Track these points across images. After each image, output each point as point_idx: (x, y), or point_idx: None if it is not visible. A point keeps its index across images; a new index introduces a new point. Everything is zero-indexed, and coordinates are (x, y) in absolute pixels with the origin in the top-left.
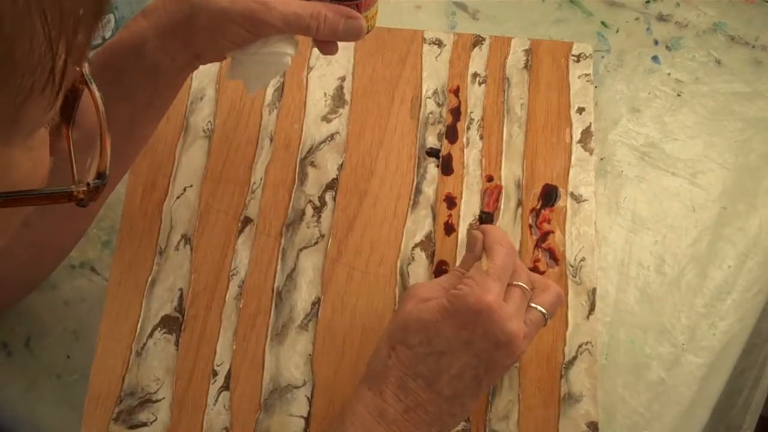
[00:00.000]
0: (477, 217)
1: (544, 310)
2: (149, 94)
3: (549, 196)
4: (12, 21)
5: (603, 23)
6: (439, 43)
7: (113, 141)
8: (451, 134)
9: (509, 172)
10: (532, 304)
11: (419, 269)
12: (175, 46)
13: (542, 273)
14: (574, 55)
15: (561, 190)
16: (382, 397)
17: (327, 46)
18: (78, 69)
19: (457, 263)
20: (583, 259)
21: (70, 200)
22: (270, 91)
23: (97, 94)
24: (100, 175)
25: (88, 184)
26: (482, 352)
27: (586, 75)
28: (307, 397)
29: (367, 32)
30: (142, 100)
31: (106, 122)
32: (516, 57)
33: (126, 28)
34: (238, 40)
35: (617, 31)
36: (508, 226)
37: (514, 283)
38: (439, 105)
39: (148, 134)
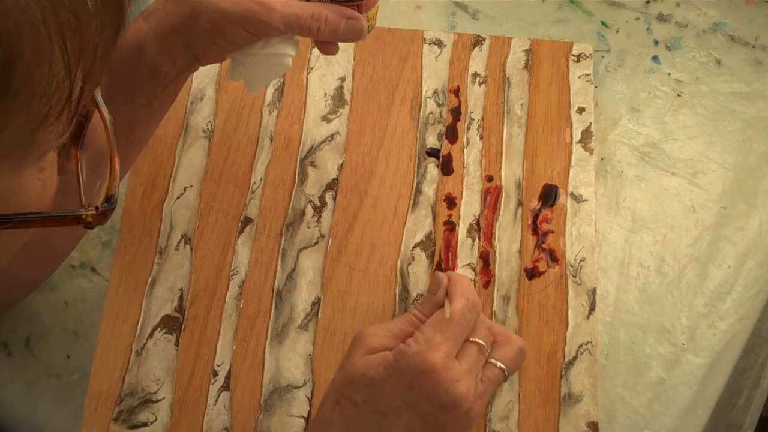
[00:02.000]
0: (436, 264)
1: (503, 366)
2: (149, 95)
3: (549, 196)
4: (33, 48)
5: (603, 23)
6: (439, 43)
7: None
8: (451, 134)
9: (509, 172)
10: (491, 360)
11: (419, 269)
12: (175, 48)
13: (542, 273)
14: (574, 55)
15: (561, 190)
16: None
17: (327, 47)
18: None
19: (459, 264)
20: (583, 259)
21: (78, 223)
22: (270, 91)
23: (107, 117)
24: (108, 199)
25: (96, 208)
26: (427, 415)
27: (586, 75)
28: (308, 398)
29: (368, 32)
30: (141, 101)
31: (116, 146)
32: (516, 57)
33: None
34: (238, 41)
35: (617, 31)
36: (508, 226)
37: (471, 339)
38: (439, 105)
39: (148, 135)
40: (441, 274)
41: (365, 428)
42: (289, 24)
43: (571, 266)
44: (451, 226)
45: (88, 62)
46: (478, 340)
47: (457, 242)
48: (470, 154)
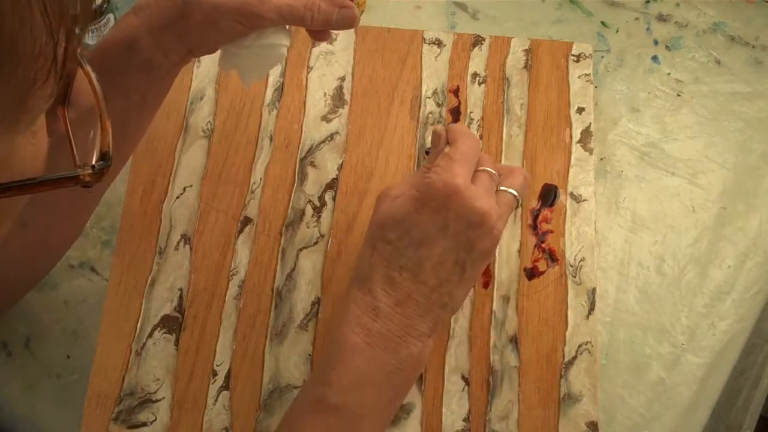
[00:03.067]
0: (425, 151)
1: (514, 192)
2: (143, 89)
3: (548, 195)
4: (13, 15)
5: (603, 23)
6: (438, 43)
7: None
8: None
9: None
10: (502, 187)
11: None
12: (168, 42)
13: (542, 273)
14: (573, 55)
15: (560, 189)
16: (372, 294)
17: (320, 34)
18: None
19: None
20: (582, 259)
21: (76, 184)
22: (270, 91)
23: (92, 73)
24: (103, 156)
25: (93, 167)
26: (458, 234)
27: (586, 75)
28: None
29: (361, 15)
30: (135, 96)
31: (104, 102)
32: (516, 57)
33: (117, 26)
34: (232, 34)
35: (617, 31)
36: (508, 225)
37: (480, 168)
38: (438, 105)
39: (143, 129)
40: (439, 127)
41: (405, 261)
42: (282, 15)
43: (571, 266)
44: None
45: (68, 23)
46: (486, 168)
47: None
48: None
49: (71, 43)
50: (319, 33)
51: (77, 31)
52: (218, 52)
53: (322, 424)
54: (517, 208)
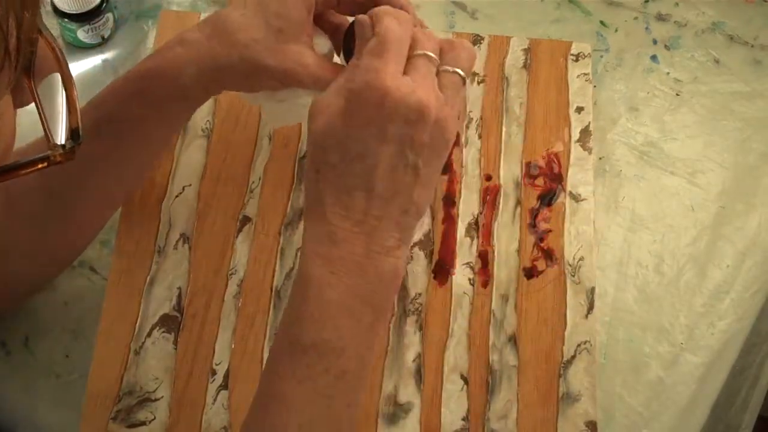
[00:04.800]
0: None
1: (457, 70)
2: (177, 115)
3: (547, 195)
4: None
5: (602, 23)
6: None
7: (133, 155)
8: None
9: (508, 172)
10: (444, 67)
11: (418, 268)
12: (211, 81)
13: (541, 272)
14: (572, 55)
15: (560, 189)
16: (326, 221)
17: None
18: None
19: (457, 263)
20: (581, 259)
21: (48, 165)
22: None
23: (55, 43)
24: (73, 134)
25: (63, 146)
26: (400, 136)
27: (585, 74)
28: None
29: None
30: (169, 121)
31: (69, 71)
32: (515, 56)
33: (161, 54)
34: (269, 88)
35: (616, 31)
36: (507, 225)
37: (415, 53)
38: None
39: (164, 149)
40: (362, 16)
41: (352, 180)
42: (319, 83)
43: (570, 265)
44: (449, 226)
45: (17, 10)
46: (422, 51)
47: (455, 241)
48: (469, 153)
49: (22, 30)
50: None
51: (27, 15)
52: None
53: (300, 365)
54: (463, 85)
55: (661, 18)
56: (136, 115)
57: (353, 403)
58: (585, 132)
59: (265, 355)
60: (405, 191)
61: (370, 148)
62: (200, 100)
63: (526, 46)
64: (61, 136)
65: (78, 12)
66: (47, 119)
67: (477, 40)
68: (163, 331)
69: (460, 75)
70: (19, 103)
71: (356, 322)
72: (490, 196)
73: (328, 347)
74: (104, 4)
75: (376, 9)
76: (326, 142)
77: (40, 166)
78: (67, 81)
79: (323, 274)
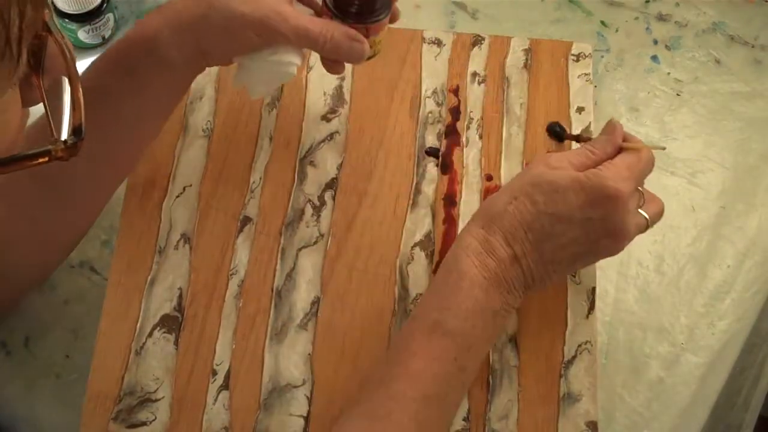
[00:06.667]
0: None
1: (648, 218)
2: (157, 89)
3: None
4: None
5: (602, 23)
6: (438, 43)
7: (119, 136)
8: (451, 134)
9: (508, 172)
10: (640, 210)
11: (419, 268)
12: (186, 40)
13: None
14: (573, 55)
15: None
16: (494, 236)
17: (334, 66)
18: (40, 22)
19: None
20: None
21: (50, 160)
22: None
23: (63, 41)
24: (76, 131)
25: (65, 142)
26: (595, 234)
27: (586, 74)
28: (307, 397)
29: (372, 57)
30: (150, 95)
31: (76, 69)
32: (515, 56)
33: (140, 23)
34: (248, 44)
35: (617, 31)
36: None
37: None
38: (438, 104)
39: (154, 133)
40: (615, 119)
41: (537, 225)
42: (298, 35)
43: None
44: (450, 226)
45: (19, 2)
46: (641, 188)
47: None
48: (470, 153)
49: (25, 20)
50: (333, 65)
51: (32, 6)
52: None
53: (436, 346)
54: (643, 232)
55: (661, 18)
56: (115, 90)
57: (457, 403)
58: (586, 132)
59: (266, 355)
60: (557, 267)
61: (572, 220)
62: (180, 73)
63: (526, 47)
64: (63, 132)
65: (78, 12)
66: (51, 115)
67: (477, 40)
68: (164, 332)
69: (647, 221)
70: (28, 102)
71: (485, 328)
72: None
73: (463, 339)
74: (105, 5)
75: (634, 137)
76: (544, 185)
77: (41, 160)
78: (74, 79)
79: (479, 276)
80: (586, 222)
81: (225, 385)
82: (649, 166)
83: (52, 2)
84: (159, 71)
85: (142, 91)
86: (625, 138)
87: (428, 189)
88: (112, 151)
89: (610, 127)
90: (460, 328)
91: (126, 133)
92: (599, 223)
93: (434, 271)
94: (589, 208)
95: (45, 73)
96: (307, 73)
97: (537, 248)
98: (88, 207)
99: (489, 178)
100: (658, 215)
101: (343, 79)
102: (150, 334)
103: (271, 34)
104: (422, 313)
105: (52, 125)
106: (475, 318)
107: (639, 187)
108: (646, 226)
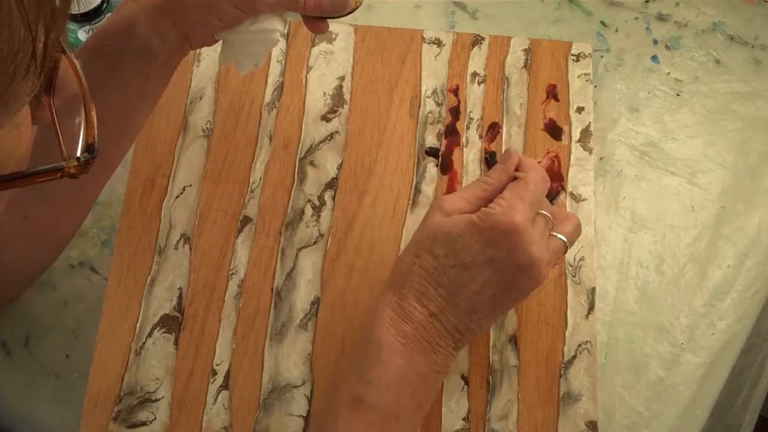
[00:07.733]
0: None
1: (564, 239)
2: (141, 79)
3: (548, 195)
4: None
5: (602, 23)
6: (438, 43)
7: (107, 129)
8: (451, 134)
9: None
10: (554, 233)
11: None
12: (165, 25)
13: None
14: (573, 55)
15: (560, 189)
16: (406, 300)
17: (316, 25)
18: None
19: None
20: (582, 259)
21: (62, 176)
22: (269, 90)
23: (76, 61)
24: (89, 148)
25: (78, 159)
26: (504, 272)
27: (586, 74)
28: (307, 397)
29: (355, 9)
30: (134, 85)
31: (88, 90)
32: (515, 56)
33: (116, 11)
34: (228, 18)
35: (616, 31)
36: None
37: (539, 211)
38: (438, 104)
39: (141, 122)
40: (512, 148)
41: (445, 279)
42: (281, 2)
43: (570, 266)
44: None
45: (47, 17)
46: (545, 212)
47: None
48: (470, 153)
49: (50, 36)
50: (316, 24)
51: (57, 23)
52: (218, 48)
53: (360, 422)
54: (564, 254)
55: (661, 18)
56: (98, 82)
57: None
58: (585, 132)
59: (266, 355)
60: (479, 314)
61: (476, 264)
62: (163, 59)
63: (526, 47)
64: (78, 149)
65: (78, 12)
66: (63, 132)
67: (477, 40)
68: (164, 332)
69: (564, 243)
70: (36, 120)
71: (413, 395)
72: None
73: (389, 411)
74: (104, 5)
75: (526, 158)
76: (440, 236)
77: (51, 176)
78: (87, 100)
79: (397, 344)
80: (491, 263)
81: (225, 385)
82: (540, 187)
83: None
84: (141, 60)
85: (125, 83)
86: (519, 166)
87: (428, 189)
88: (100, 145)
89: (506, 155)
90: (384, 400)
91: (112, 126)
92: (505, 260)
93: None
94: (490, 249)
95: (56, 93)
96: (307, 73)
97: (451, 301)
98: (79, 203)
99: None
100: (575, 233)
101: (342, 79)
102: (150, 334)
103: (250, 4)
104: (341, 389)
105: (62, 143)
106: (399, 387)
107: (543, 211)
108: (565, 246)
